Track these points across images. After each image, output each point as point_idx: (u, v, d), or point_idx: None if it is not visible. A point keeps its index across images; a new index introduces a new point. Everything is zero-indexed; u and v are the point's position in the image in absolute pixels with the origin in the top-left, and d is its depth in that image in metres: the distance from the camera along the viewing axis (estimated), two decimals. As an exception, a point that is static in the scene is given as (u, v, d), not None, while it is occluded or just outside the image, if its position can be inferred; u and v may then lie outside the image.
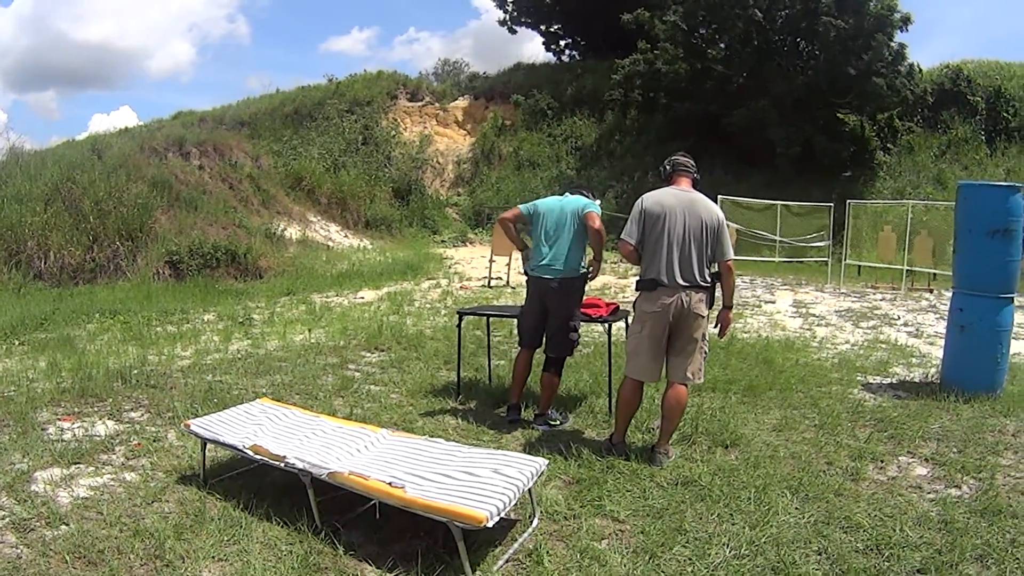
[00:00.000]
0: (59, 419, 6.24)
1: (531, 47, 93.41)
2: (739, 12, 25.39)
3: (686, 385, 5.36)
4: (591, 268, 6.25)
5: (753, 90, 26.15)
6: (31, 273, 14.70)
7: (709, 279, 5.33)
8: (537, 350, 6.45)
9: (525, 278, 6.42)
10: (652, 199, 5.38)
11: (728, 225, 19.20)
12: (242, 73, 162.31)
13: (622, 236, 5.37)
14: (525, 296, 6.45)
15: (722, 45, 28.05)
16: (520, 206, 6.46)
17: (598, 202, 6.45)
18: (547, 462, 4.36)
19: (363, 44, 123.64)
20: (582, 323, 6.36)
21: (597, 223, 6.08)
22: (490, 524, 3.54)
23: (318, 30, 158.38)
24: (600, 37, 37.65)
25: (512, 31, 41.22)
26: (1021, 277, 7.72)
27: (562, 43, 41.62)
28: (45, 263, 14.97)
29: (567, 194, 6.43)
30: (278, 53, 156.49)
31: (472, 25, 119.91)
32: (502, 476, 3.94)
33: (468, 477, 3.97)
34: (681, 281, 5.20)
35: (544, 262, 6.10)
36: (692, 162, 5.59)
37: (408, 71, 55.76)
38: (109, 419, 6.29)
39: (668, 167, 5.58)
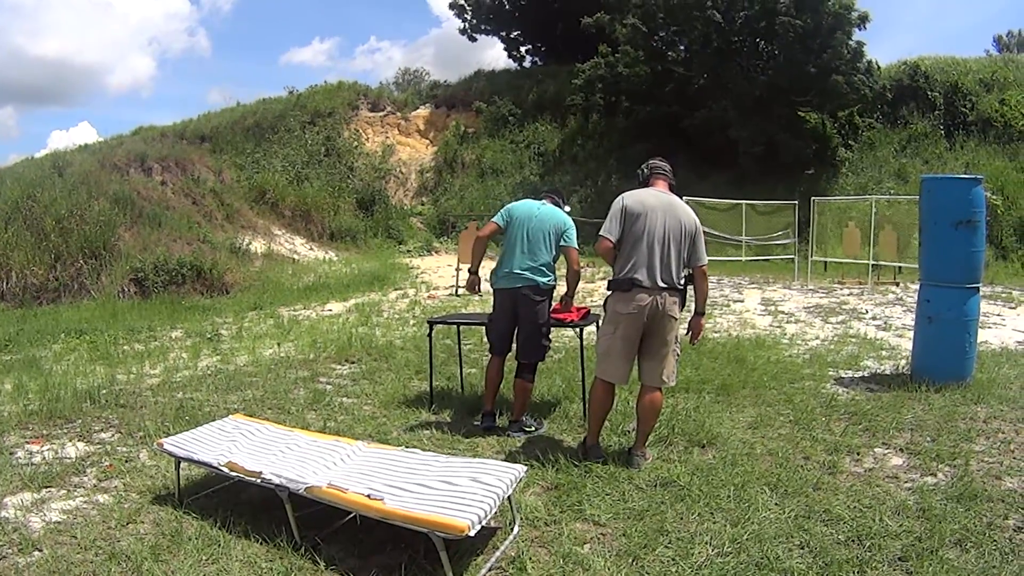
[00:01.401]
0: (27, 442, 6.12)
1: (493, 53, 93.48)
2: (698, 14, 25.57)
3: (660, 388, 5.35)
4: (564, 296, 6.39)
5: (714, 91, 26.36)
6: (-8, 294, 14.46)
7: (683, 282, 5.30)
8: (508, 357, 6.44)
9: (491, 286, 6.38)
10: (633, 198, 5.30)
11: (695, 226, 19.05)
12: (203, 87, 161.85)
13: (601, 233, 5.27)
14: (493, 303, 6.42)
15: (682, 47, 28.26)
16: (495, 219, 6.37)
17: (567, 208, 6.48)
18: (526, 468, 4.33)
19: (324, 55, 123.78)
20: (553, 328, 6.36)
21: (576, 264, 6.17)
22: (472, 533, 3.52)
23: (279, 41, 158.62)
24: (560, 42, 37.87)
25: (472, 39, 41.30)
26: (984, 267, 7.84)
27: (523, 49, 41.68)
28: (7, 283, 14.76)
29: (543, 200, 6.42)
30: (239, 65, 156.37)
31: (433, 33, 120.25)
32: (481, 484, 3.91)
33: (447, 486, 3.94)
34: (660, 282, 5.13)
35: (517, 271, 6.06)
36: (669, 166, 5.57)
37: (370, 81, 55.78)
38: (79, 440, 6.18)
39: (646, 170, 5.53)
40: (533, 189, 25.60)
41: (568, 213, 6.42)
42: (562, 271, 6.13)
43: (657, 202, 5.26)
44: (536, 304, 6.05)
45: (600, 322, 5.65)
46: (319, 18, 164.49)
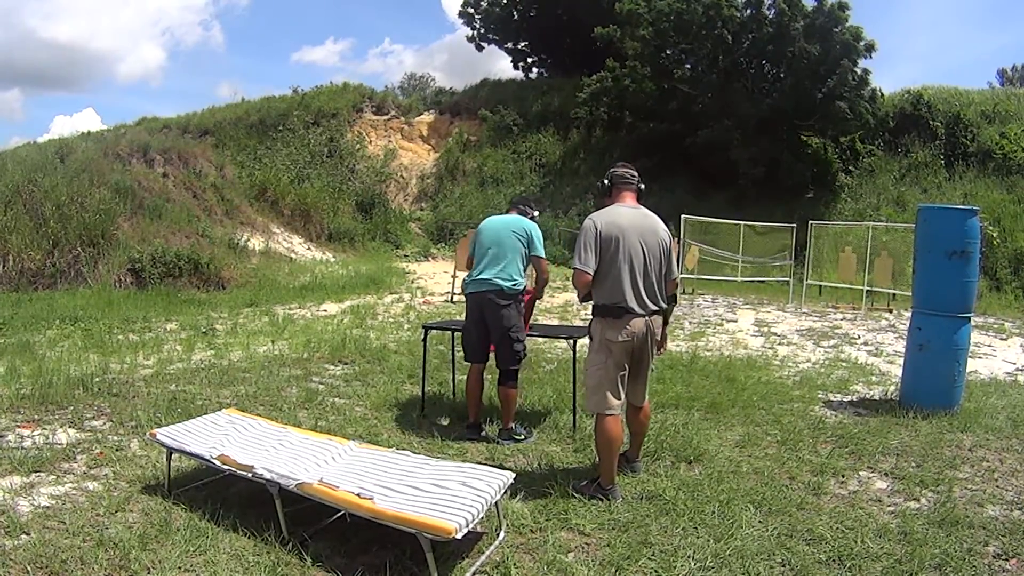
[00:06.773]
0: (18, 426, 6.15)
1: (505, 63, 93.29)
2: (706, 32, 25.69)
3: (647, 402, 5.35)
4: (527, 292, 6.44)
5: (718, 111, 26.49)
6: (-12, 276, 14.45)
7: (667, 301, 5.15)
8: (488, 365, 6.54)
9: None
10: (605, 220, 4.88)
11: (690, 244, 19.19)
12: (213, 81, 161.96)
13: (577, 265, 4.83)
14: (465, 312, 6.49)
15: (687, 66, 28.36)
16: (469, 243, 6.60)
17: (535, 214, 6.64)
18: (514, 475, 4.36)
19: (336, 55, 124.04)
20: (547, 338, 6.39)
21: (545, 273, 6.42)
22: (459, 535, 3.55)
23: (292, 39, 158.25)
24: (567, 55, 38.03)
25: (479, 48, 41.46)
26: (978, 297, 7.89)
27: (529, 60, 41.79)
28: (3, 266, 14.72)
29: (512, 212, 6.57)
30: (251, 62, 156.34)
31: (447, 39, 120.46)
32: (470, 488, 3.95)
33: (437, 489, 3.97)
34: (650, 306, 4.91)
35: (481, 276, 6.16)
36: (635, 173, 5.23)
37: (380, 84, 55.78)
38: (70, 427, 6.21)
39: (607, 181, 5.15)
40: (516, 199, 25.66)
41: (535, 219, 6.54)
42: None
43: (630, 221, 4.92)
44: (501, 308, 6.09)
45: (588, 348, 5.16)
46: (335, 18, 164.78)
